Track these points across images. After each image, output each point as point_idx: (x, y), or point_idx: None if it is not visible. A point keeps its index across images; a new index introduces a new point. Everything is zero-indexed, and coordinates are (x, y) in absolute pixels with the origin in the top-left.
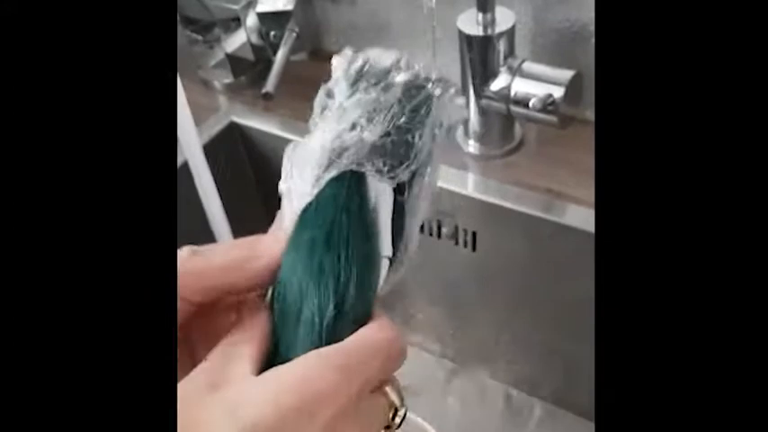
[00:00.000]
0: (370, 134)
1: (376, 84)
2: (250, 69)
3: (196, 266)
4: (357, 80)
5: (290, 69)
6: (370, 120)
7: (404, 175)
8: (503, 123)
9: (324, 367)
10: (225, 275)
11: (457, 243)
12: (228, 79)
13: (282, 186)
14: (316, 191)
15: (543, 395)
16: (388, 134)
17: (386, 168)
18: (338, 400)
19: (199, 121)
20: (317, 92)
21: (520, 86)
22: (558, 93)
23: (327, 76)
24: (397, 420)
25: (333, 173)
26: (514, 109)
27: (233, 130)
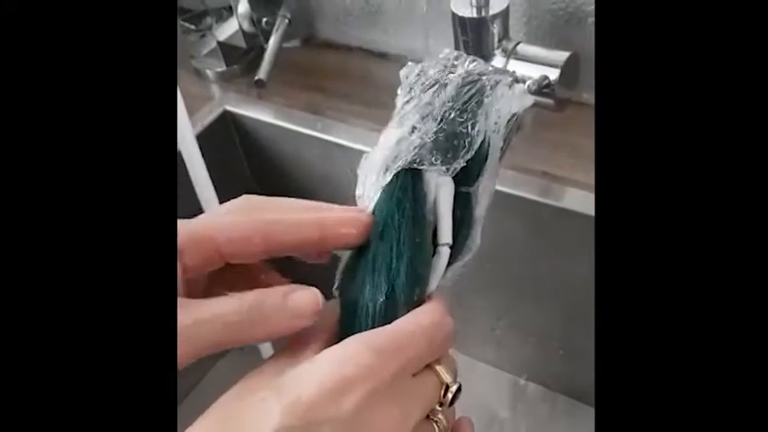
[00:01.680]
0: (421, 134)
1: (431, 87)
2: (243, 57)
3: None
4: (413, 86)
5: (283, 56)
6: (424, 121)
7: (459, 164)
8: None
9: (361, 349)
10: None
11: None
12: (221, 68)
13: (357, 192)
14: (377, 196)
15: (542, 380)
16: (440, 130)
17: (438, 161)
18: (372, 380)
19: (192, 110)
20: (311, 80)
21: (515, 69)
22: (553, 75)
23: (321, 63)
24: (449, 397)
25: (389, 176)
26: None
27: (226, 119)
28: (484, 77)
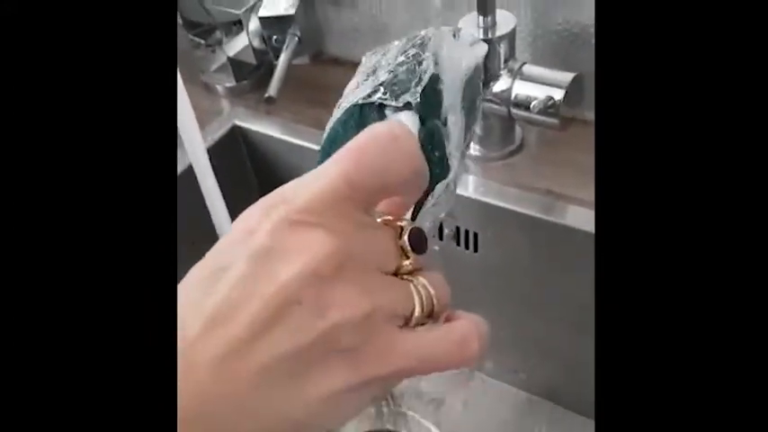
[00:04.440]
0: (369, 83)
1: (380, 53)
2: (252, 73)
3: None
4: (365, 59)
5: (292, 73)
6: (372, 73)
7: (412, 96)
8: (503, 125)
9: (272, 194)
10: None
11: (458, 244)
12: (231, 83)
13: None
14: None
15: (544, 394)
16: (388, 72)
17: (388, 94)
18: (281, 209)
19: (201, 124)
20: (319, 95)
21: (521, 89)
22: (558, 95)
23: (329, 79)
24: (405, 239)
25: (338, 113)
26: (515, 111)
27: (235, 134)
28: (424, 32)
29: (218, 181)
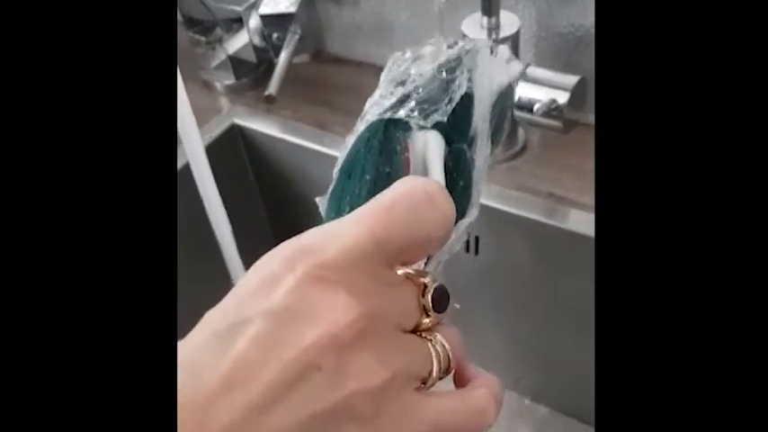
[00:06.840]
0: (398, 94)
1: (408, 61)
2: (252, 71)
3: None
4: (392, 66)
5: (293, 71)
6: (401, 83)
7: (441, 115)
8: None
9: (290, 243)
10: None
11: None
12: (230, 81)
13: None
14: (346, 151)
15: (544, 399)
16: (419, 87)
17: (416, 111)
18: (305, 265)
19: (200, 122)
20: (319, 94)
21: (524, 91)
22: (562, 98)
23: (330, 77)
24: (428, 298)
25: (361, 127)
26: (518, 114)
27: (234, 132)
28: (461, 43)
29: (217, 179)
